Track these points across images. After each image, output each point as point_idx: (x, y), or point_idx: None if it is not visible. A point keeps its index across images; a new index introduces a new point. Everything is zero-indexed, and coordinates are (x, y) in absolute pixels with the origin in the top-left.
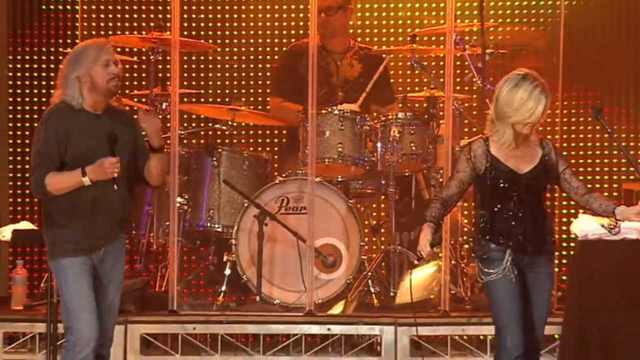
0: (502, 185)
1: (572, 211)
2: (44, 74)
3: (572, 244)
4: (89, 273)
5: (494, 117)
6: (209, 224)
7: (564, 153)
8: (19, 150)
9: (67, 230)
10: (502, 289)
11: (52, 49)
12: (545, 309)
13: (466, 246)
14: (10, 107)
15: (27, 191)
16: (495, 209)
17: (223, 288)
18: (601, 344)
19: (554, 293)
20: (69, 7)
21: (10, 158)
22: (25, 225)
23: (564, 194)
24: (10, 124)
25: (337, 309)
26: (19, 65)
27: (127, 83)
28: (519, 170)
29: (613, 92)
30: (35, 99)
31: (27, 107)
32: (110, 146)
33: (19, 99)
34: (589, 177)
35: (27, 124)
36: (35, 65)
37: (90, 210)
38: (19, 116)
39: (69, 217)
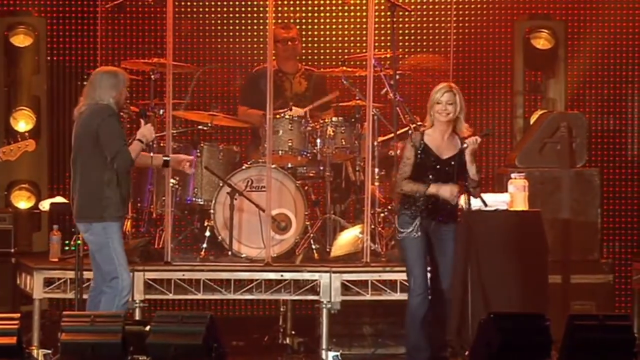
0: (426, 166)
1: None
2: (73, 88)
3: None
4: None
5: (429, 113)
6: (194, 199)
7: None
8: (55, 144)
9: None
10: (410, 245)
11: (80, 70)
12: (449, 264)
13: (382, 215)
14: (49, 113)
15: (61, 174)
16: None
17: (204, 245)
18: (480, 283)
19: None
20: (92, 39)
21: (49, 150)
22: (59, 199)
23: None
24: (49, 125)
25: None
26: (54, 78)
27: (134, 95)
28: (441, 155)
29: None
30: (67, 104)
31: (61, 112)
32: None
33: (54, 105)
34: None
35: (61, 125)
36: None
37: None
38: (55, 119)
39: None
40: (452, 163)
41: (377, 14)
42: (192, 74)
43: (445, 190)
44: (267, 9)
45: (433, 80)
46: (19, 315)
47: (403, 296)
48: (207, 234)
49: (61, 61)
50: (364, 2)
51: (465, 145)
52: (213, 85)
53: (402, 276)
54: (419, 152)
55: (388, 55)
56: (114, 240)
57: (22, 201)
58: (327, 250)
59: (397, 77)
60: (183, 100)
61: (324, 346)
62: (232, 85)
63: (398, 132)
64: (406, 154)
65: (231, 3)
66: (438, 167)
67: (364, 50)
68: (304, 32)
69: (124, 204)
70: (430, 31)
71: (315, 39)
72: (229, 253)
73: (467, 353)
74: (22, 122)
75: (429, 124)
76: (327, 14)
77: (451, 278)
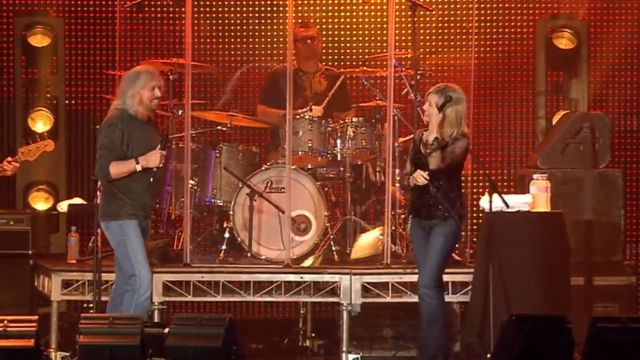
0: (419, 164)
1: (480, 190)
2: (92, 89)
3: (480, 214)
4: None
5: None
6: (213, 200)
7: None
8: (73, 145)
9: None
10: (412, 245)
11: (98, 71)
12: (430, 257)
13: (403, 216)
14: (67, 114)
15: (79, 175)
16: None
17: (223, 247)
18: (501, 285)
19: (467, 250)
20: (110, 39)
21: (67, 151)
22: (77, 200)
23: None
24: (67, 126)
25: (308, 262)
26: (73, 78)
27: None
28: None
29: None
30: (85, 105)
31: (79, 113)
32: (162, 144)
33: (72, 106)
34: (492, 165)
35: (79, 126)
36: (86, 82)
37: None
38: (73, 120)
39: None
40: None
41: (397, 13)
42: (211, 74)
43: (416, 174)
44: (287, 8)
45: (454, 81)
46: (36, 317)
47: None
48: (226, 235)
49: (79, 61)
50: (384, 1)
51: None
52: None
53: None
54: (415, 149)
55: (409, 55)
56: (130, 239)
57: (40, 202)
58: (348, 252)
59: (418, 77)
60: (202, 101)
61: (344, 349)
62: (251, 86)
63: None
64: (410, 151)
65: (250, 2)
66: (420, 162)
67: (385, 50)
68: (324, 32)
69: (144, 203)
70: (452, 31)
71: (336, 38)
72: (248, 255)
73: (488, 356)
74: (40, 122)
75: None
76: (348, 14)
77: (429, 276)
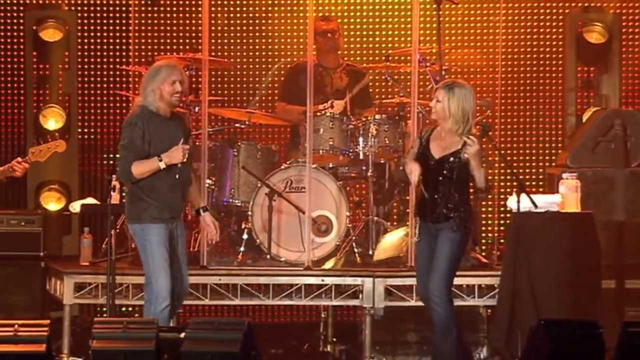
0: (422, 161)
1: (508, 190)
2: (105, 85)
3: (508, 215)
4: (167, 239)
5: None
6: (231, 200)
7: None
8: (86, 143)
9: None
10: (417, 250)
11: (112, 66)
12: (439, 264)
13: None
14: (80, 111)
15: (92, 174)
16: (422, 183)
17: (242, 249)
18: (529, 288)
19: (494, 252)
20: (124, 34)
21: (80, 149)
22: (90, 200)
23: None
24: (80, 124)
25: (329, 264)
26: (86, 74)
27: None
28: (434, 154)
29: (540, 96)
30: (99, 101)
31: (92, 110)
32: (185, 139)
33: (85, 102)
34: (520, 163)
35: (92, 124)
36: (99, 78)
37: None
38: (86, 117)
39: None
40: (441, 163)
41: (422, 6)
42: (228, 69)
43: (412, 167)
44: (307, 1)
45: (481, 77)
46: (48, 321)
47: None
48: (245, 236)
49: (92, 57)
50: None
51: (465, 153)
52: (251, 81)
53: None
54: (422, 145)
55: (433, 50)
56: (152, 244)
57: (52, 202)
58: (370, 253)
59: (443, 72)
60: (219, 97)
61: (366, 354)
62: (270, 82)
63: None
64: (415, 143)
65: None
66: (430, 163)
67: (409, 45)
68: (345, 26)
69: (170, 204)
70: (478, 24)
71: (357, 32)
72: (268, 257)
73: None
74: (52, 120)
75: None
76: (370, 7)
77: (439, 284)
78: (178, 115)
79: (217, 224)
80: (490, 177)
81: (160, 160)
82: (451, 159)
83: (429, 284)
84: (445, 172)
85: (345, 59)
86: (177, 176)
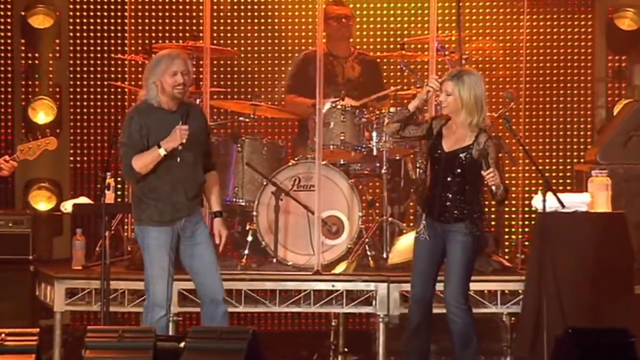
0: (433, 156)
1: (533, 189)
2: (99, 75)
3: (533, 215)
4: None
5: None
6: (234, 199)
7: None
8: (78, 138)
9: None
10: (416, 246)
11: (106, 55)
12: (455, 270)
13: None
14: (72, 103)
15: (85, 171)
16: (429, 177)
17: (246, 251)
18: (556, 294)
19: (518, 256)
20: (120, 20)
21: (72, 144)
22: (83, 199)
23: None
24: (72, 117)
25: (340, 268)
26: (78, 63)
27: None
28: (445, 146)
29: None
30: (92, 92)
31: (85, 102)
32: (183, 119)
33: (78, 94)
34: (546, 160)
35: (85, 117)
36: (92, 68)
37: (171, 189)
38: (78, 110)
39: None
40: (451, 158)
41: None
42: (232, 58)
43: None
44: None
45: (504, 66)
46: (38, 330)
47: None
48: (249, 238)
49: (85, 45)
50: None
51: (476, 150)
52: (255, 71)
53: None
54: (433, 134)
55: (453, 38)
56: (149, 247)
57: (42, 202)
58: (384, 257)
59: (463, 62)
60: (222, 89)
61: None
62: (277, 72)
63: None
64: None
65: None
66: (437, 154)
67: (426, 32)
68: (357, 12)
69: (174, 204)
70: (501, 10)
71: (371, 19)
72: (274, 260)
73: None
74: (42, 113)
75: None
76: None
77: (457, 292)
78: (187, 107)
79: (225, 233)
80: (507, 181)
81: (160, 148)
82: (462, 154)
83: (446, 293)
84: (456, 169)
85: (358, 47)
86: (178, 159)
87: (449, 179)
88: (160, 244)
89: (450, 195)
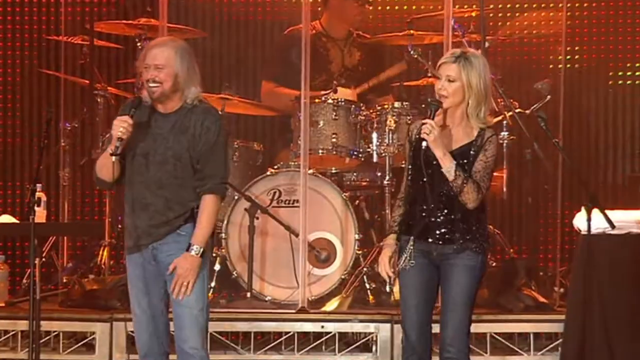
0: (416, 164)
1: (575, 205)
2: (26, 62)
3: (574, 238)
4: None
5: None
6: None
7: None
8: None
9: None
10: (402, 280)
11: (35, 36)
12: (457, 305)
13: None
14: None
15: (9, 183)
16: (410, 190)
17: (212, 284)
18: (604, 335)
19: (556, 289)
20: None
21: None
22: (6, 218)
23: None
24: None
25: (331, 305)
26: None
27: (112, 71)
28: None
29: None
30: (19, 83)
31: (10, 94)
32: (130, 109)
33: (2, 80)
34: (591, 169)
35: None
36: (18, 52)
37: (131, 210)
38: (1, 105)
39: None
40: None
41: None
42: (195, 41)
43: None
44: None
45: (538, 49)
46: None
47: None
48: (217, 267)
49: (11, 23)
50: None
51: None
52: (225, 57)
53: (492, 327)
54: (413, 146)
55: (473, 14)
56: (129, 280)
57: None
58: (387, 290)
59: (487, 45)
60: None
61: None
62: (252, 58)
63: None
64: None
65: None
66: (435, 162)
67: (439, 8)
68: None
69: (132, 228)
70: None
71: None
72: (248, 295)
73: None
74: None
75: None
76: None
77: (458, 333)
78: (200, 109)
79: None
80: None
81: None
82: (462, 155)
83: (443, 335)
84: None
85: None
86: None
87: (446, 193)
88: (131, 277)
89: (451, 212)
